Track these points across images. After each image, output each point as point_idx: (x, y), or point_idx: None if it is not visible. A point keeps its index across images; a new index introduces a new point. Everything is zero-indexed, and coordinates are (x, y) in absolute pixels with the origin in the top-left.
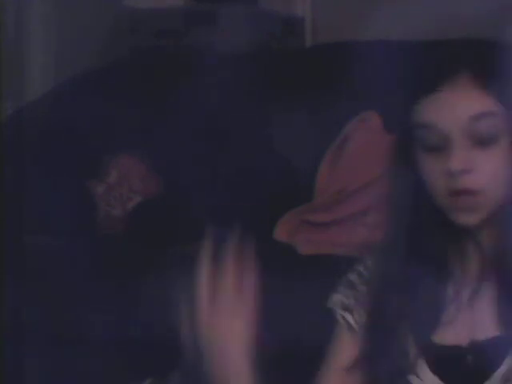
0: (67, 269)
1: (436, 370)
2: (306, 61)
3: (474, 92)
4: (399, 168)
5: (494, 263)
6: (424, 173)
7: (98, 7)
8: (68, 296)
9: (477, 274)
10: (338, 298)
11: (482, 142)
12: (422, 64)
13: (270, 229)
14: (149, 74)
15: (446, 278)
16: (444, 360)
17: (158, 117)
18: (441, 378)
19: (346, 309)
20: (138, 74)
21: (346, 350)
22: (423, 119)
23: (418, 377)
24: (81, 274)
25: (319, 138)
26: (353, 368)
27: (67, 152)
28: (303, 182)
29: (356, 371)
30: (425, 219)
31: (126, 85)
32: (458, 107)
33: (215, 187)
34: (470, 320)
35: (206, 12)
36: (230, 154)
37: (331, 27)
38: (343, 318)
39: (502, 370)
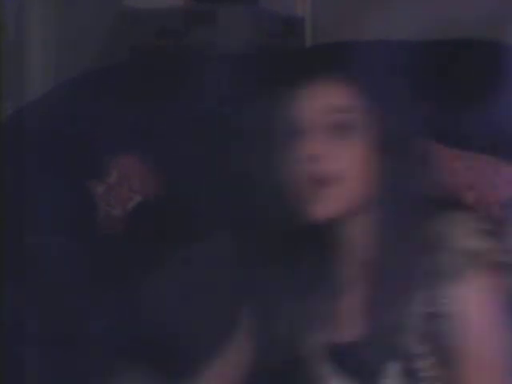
0: (67, 269)
1: (341, 370)
2: (305, 61)
3: (339, 88)
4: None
5: (364, 263)
6: (289, 164)
7: (98, 7)
8: (68, 296)
9: (350, 274)
10: None
11: (338, 132)
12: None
13: None
14: (149, 73)
15: (324, 281)
16: (345, 359)
17: (158, 117)
18: (348, 376)
19: None
20: (138, 73)
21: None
22: (286, 110)
23: (327, 381)
24: (81, 274)
25: None
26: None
27: (67, 152)
28: None
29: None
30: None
31: (125, 85)
32: (319, 99)
33: (215, 187)
34: (357, 318)
35: (206, 12)
36: (229, 153)
37: (331, 27)
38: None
39: (393, 366)
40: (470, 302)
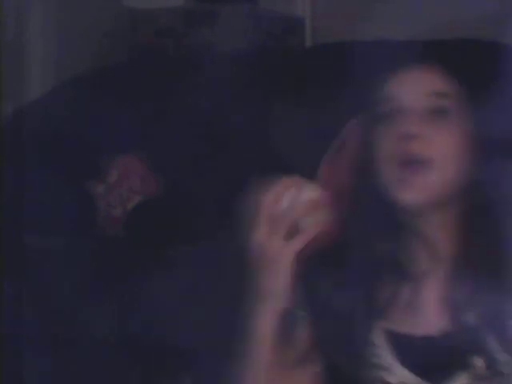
0: (67, 269)
1: (406, 362)
2: (305, 61)
3: (439, 75)
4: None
5: (445, 258)
6: (379, 148)
7: (98, 7)
8: (68, 296)
9: (430, 269)
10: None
11: (435, 117)
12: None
13: None
14: (149, 73)
15: (401, 273)
16: (414, 352)
17: (158, 117)
18: (412, 370)
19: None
20: (138, 73)
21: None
22: (386, 94)
23: (389, 372)
24: (81, 274)
25: (319, 138)
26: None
27: (67, 152)
28: None
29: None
30: (377, 219)
31: (125, 85)
32: (419, 83)
33: (215, 187)
34: (437, 311)
35: (206, 12)
36: (229, 153)
37: (331, 27)
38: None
39: (476, 360)
40: None
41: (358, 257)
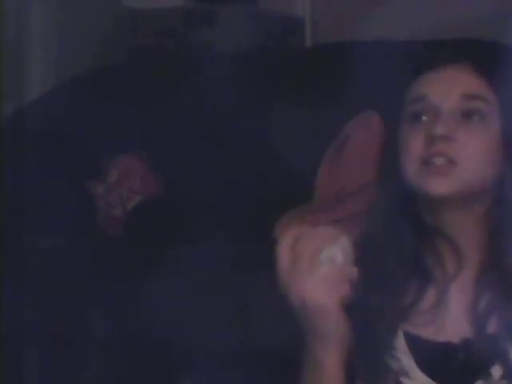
0: (67, 269)
1: (426, 368)
2: (305, 61)
3: (471, 76)
4: (387, 170)
5: (472, 262)
6: (406, 146)
7: (98, 7)
8: (68, 296)
9: (456, 272)
10: None
11: (468, 119)
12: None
13: (270, 229)
14: (149, 73)
15: (426, 276)
16: (434, 358)
17: (158, 117)
18: (431, 376)
19: None
20: (138, 73)
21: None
22: (417, 93)
23: (407, 376)
24: (81, 274)
25: (319, 138)
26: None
27: (67, 152)
28: (303, 182)
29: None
30: (402, 219)
31: (125, 85)
32: (452, 84)
33: (215, 187)
34: (460, 317)
35: (206, 12)
36: (229, 153)
37: (331, 27)
38: None
39: (495, 370)
40: None
41: (383, 257)
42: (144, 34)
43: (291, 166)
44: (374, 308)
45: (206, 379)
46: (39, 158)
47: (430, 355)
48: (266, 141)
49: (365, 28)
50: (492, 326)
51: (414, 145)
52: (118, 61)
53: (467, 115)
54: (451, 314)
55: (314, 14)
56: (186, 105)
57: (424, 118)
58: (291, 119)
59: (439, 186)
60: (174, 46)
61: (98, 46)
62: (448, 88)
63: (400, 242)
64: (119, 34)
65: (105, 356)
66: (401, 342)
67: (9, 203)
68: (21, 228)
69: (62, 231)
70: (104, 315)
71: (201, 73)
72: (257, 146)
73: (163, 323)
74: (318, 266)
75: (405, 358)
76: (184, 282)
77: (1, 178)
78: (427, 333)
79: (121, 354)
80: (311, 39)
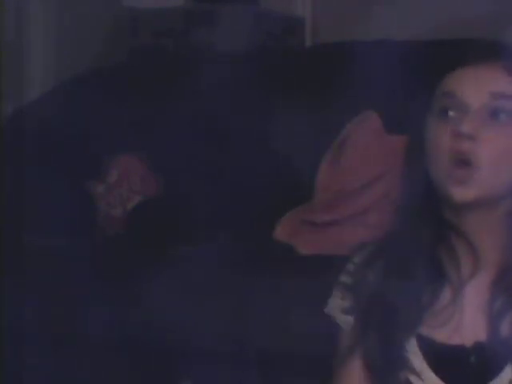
0: (67, 269)
1: (437, 370)
2: (305, 61)
3: (501, 75)
4: (410, 167)
5: (490, 264)
6: (432, 141)
7: (98, 7)
8: (68, 296)
9: (472, 274)
10: (335, 303)
11: (496, 118)
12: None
13: (270, 229)
14: (149, 73)
15: (442, 278)
16: (446, 360)
17: (158, 117)
18: (442, 378)
19: (346, 312)
20: (138, 73)
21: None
22: (446, 88)
23: (419, 377)
24: (81, 274)
25: (319, 138)
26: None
27: (67, 152)
28: (303, 182)
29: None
30: (426, 219)
31: (125, 85)
32: (482, 82)
33: (215, 187)
34: (475, 319)
35: (206, 12)
36: (229, 153)
37: (331, 27)
38: (345, 322)
39: (506, 373)
40: None
41: (401, 255)
42: (144, 34)
43: (291, 166)
44: (391, 308)
45: (206, 379)
46: (39, 158)
47: (442, 358)
48: (266, 141)
49: (365, 28)
50: (505, 329)
51: (442, 140)
52: (118, 61)
53: (494, 113)
54: (466, 315)
55: (314, 14)
56: (186, 105)
57: (451, 113)
58: (291, 119)
59: (463, 194)
60: (173, 46)
61: (98, 46)
62: (477, 86)
63: (420, 242)
64: (119, 34)
65: (105, 356)
66: (413, 344)
67: (9, 203)
68: (21, 228)
69: (62, 231)
70: (104, 315)
71: (201, 73)
72: (257, 146)
73: (163, 323)
74: None
75: (416, 360)
76: (184, 282)
77: (1, 178)
78: (440, 335)
79: (121, 353)
80: (311, 39)
